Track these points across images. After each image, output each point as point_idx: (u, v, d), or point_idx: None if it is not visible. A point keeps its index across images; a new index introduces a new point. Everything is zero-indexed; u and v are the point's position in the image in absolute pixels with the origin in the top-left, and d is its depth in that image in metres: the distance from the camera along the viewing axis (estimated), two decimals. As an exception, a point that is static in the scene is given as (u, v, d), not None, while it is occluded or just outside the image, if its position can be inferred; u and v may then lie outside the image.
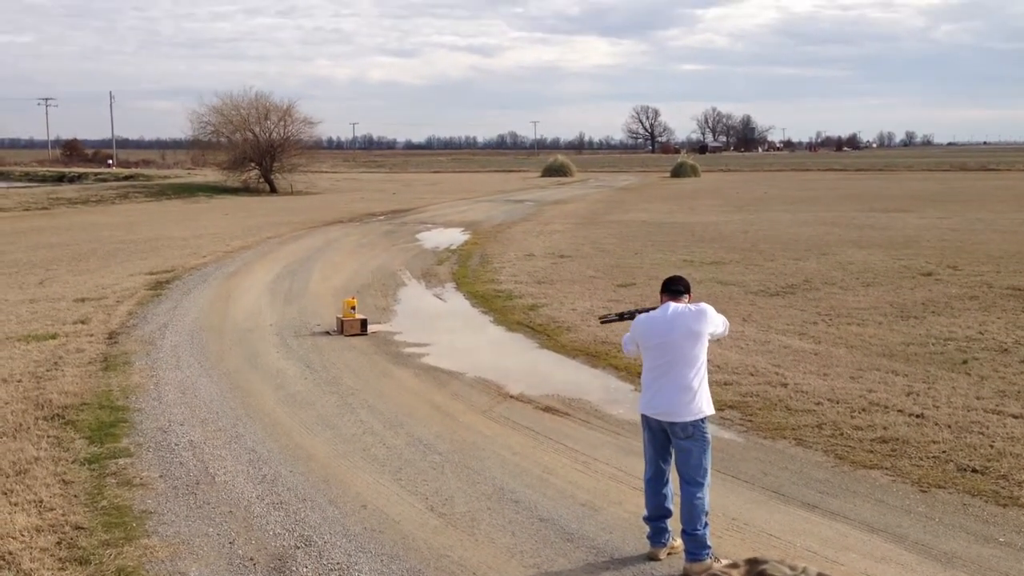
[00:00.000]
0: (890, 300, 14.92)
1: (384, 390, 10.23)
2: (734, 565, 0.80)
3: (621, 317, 6.59)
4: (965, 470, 7.32)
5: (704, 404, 5.78)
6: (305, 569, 5.75)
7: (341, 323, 13.36)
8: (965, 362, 10.68)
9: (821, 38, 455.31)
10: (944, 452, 7.70)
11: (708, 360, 5.92)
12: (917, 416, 8.66)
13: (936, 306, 14.27)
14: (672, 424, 5.75)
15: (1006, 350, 11.19)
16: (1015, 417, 8.55)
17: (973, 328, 12.52)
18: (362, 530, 6.35)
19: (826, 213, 33.80)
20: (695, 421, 5.73)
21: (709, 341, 5.87)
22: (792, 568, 0.77)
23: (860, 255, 20.83)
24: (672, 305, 5.88)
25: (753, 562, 0.79)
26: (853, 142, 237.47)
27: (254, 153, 55.59)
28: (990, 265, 18.70)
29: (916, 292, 15.62)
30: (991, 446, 7.77)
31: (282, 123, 57.37)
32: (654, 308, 6.08)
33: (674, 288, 6.02)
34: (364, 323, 13.45)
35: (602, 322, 6.99)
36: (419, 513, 6.67)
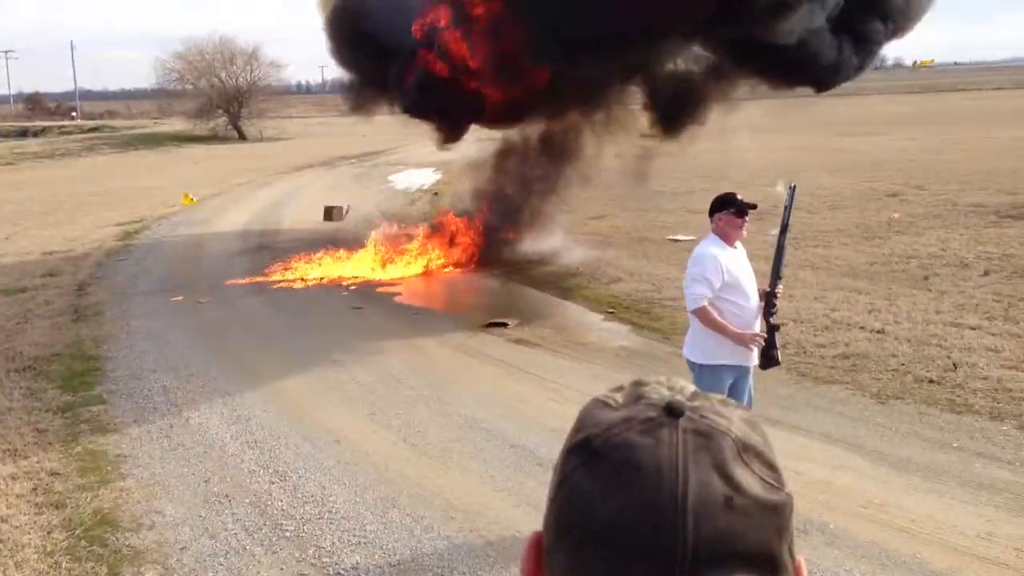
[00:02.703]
0: (856, 222, 15.08)
1: (355, 325, 10.31)
2: (619, 388, 0.86)
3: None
4: (922, 381, 7.52)
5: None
6: (280, 503, 5.87)
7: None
8: (926, 278, 10.87)
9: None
10: (903, 365, 7.90)
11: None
12: (878, 332, 8.85)
13: (900, 225, 14.45)
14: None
15: (966, 265, 11.39)
16: (972, 329, 8.75)
17: (935, 245, 12.71)
18: (336, 464, 6.47)
19: (796, 138, 33.83)
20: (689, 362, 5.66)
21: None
22: (671, 388, 0.83)
23: (829, 179, 20.97)
24: None
25: (637, 383, 0.85)
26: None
27: (221, 100, 54.87)
28: (956, 184, 18.89)
29: (881, 213, 15.79)
30: (948, 357, 7.97)
31: (248, 67, 56.61)
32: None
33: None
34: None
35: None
36: (392, 445, 6.80)
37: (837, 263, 12.01)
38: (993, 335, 8.54)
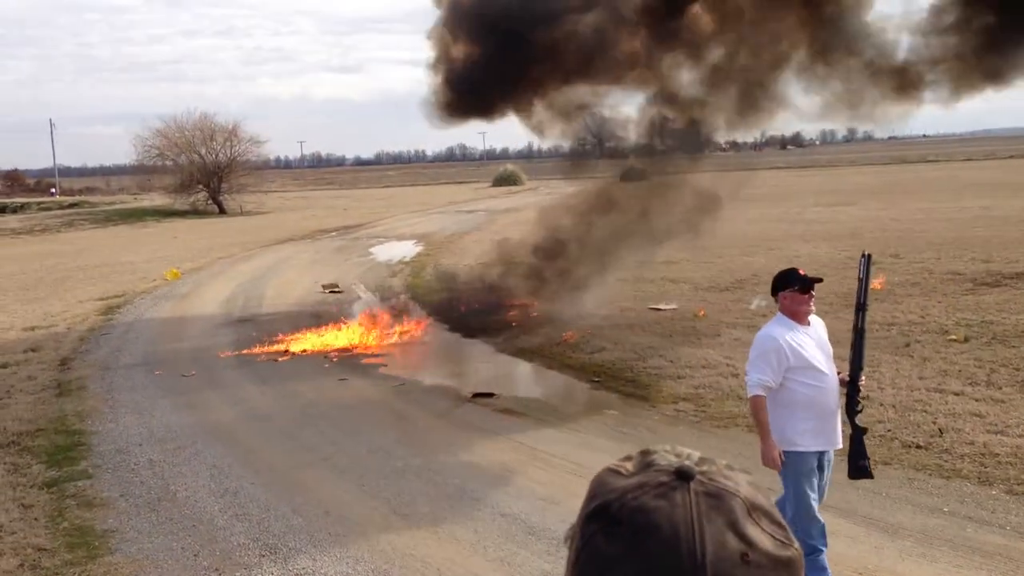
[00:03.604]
0: (835, 290, 15.24)
1: (340, 396, 10.28)
2: (627, 458, 0.91)
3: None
4: (910, 447, 7.58)
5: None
6: (271, 576, 5.80)
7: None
8: (908, 345, 11.01)
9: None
10: (889, 431, 7.97)
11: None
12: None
13: (879, 293, 14.64)
14: None
15: (946, 331, 11.55)
16: (956, 395, 8.85)
17: (915, 312, 12.89)
18: (326, 536, 6.41)
19: (772, 210, 34.38)
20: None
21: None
22: (678, 454, 0.89)
23: (806, 248, 21.27)
24: None
25: (644, 452, 0.90)
26: (796, 140, 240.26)
27: (201, 175, 55.07)
28: (930, 252, 19.22)
29: (860, 281, 15.99)
30: (933, 423, 8.05)
31: (228, 144, 56.91)
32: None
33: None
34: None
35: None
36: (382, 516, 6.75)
37: (819, 331, 12.13)
38: (976, 400, 8.64)
